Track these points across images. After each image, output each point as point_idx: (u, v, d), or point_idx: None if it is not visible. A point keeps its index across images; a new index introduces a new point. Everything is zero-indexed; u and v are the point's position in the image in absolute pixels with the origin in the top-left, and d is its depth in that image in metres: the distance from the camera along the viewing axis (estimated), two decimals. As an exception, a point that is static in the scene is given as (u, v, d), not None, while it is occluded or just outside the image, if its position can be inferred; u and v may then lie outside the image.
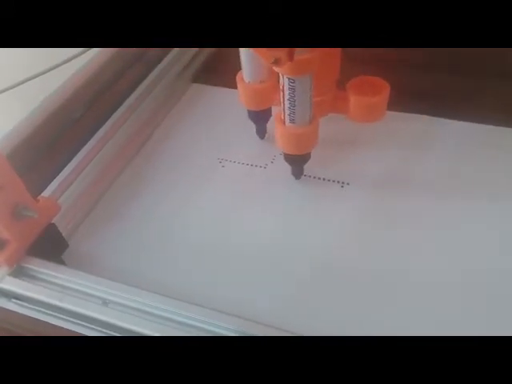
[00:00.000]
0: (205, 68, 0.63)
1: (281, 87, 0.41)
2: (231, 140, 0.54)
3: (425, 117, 0.53)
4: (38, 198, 0.42)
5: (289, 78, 0.39)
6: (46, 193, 0.46)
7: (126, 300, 0.37)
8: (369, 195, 0.47)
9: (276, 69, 0.38)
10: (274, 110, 0.47)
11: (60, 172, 0.48)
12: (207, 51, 0.65)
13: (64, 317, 0.37)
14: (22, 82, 0.42)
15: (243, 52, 0.45)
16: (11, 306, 0.38)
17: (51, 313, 0.37)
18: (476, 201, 0.45)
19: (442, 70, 0.56)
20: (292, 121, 0.42)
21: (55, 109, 0.49)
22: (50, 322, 0.37)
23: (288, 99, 0.41)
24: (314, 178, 0.49)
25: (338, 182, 0.48)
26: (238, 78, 0.48)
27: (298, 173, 0.48)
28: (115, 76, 0.56)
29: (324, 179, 0.49)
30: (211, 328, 0.35)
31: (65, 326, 0.37)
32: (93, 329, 0.36)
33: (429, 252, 0.42)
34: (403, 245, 0.42)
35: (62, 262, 0.43)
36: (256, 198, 0.48)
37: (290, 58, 0.35)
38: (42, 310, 0.37)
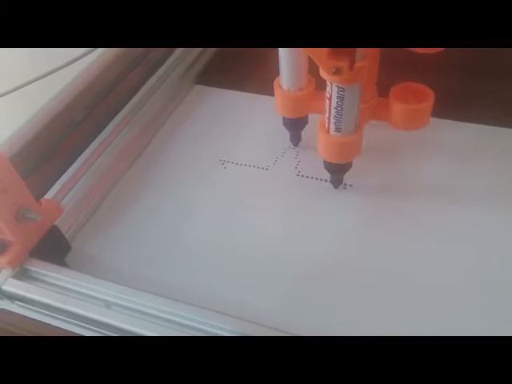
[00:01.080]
0: (208, 69, 0.63)
1: (327, 95, 0.40)
2: (233, 141, 0.54)
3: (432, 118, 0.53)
4: (41, 200, 0.42)
5: (338, 87, 0.38)
6: (49, 195, 0.46)
7: (129, 302, 0.37)
8: (371, 197, 0.47)
9: (331, 78, 0.37)
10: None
11: (63, 174, 0.48)
12: (210, 52, 0.65)
13: (67, 319, 0.37)
14: (26, 84, 0.42)
15: (284, 59, 0.44)
16: (14, 307, 0.38)
17: (54, 315, 0.37)
18: (479, 203, 0.45)
19: (450, 69, 0.55)
20: (338, 130, 0.41)
21: (58, 111, 0.49)
22: (52, 324, 0.37)
23: (335, 107, 0.40)
24: (317, 179, 0.49)
25: (343, 182, 0.48)
26: (275, 84, 0.47)
27: (337, 181, 0.47)
28: (118, 78, 0.56)
29: (326, 180, 0.48)
30: (215, 330, 0.35)
31: (67, 328, 0.37)
32: (96, 331, 0.36)
33: (430, 253, 0.42)
34: (404, 246, 0.42)
35: (64, 264, 0.43)
36: (258, 200, 0.48)
37: (351, 67, 0.34)
38: (45, 312, 0.38)
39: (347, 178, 0.48)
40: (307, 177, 0.49)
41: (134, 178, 0.51)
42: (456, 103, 0.52)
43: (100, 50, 0.55)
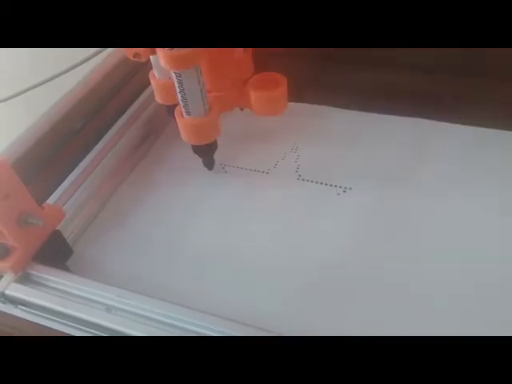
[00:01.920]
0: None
1: (174, 82, 0.43)
2: (234, 145, 0.54)
3: (424, 120, 0.54)
4: (43, 205, 0.42)
5: (175, 73, 0.41)
6: (51, 200, 0.46)
7: (130, 306, 0.37)
8: (370, 199, 0.47)
9: (166, 65, 0.40)
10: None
11: (65, 179, 0.49)
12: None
13: (68, 323, 0.37)
14: (28, 90, 0.42)
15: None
16: (17, 312, 0.39)
17: (56, 319, 0.38)
18: (478, 203, 0.45)
19: (441, 71, 0.55)
20: (188, 113, 0.44)
21: (59, 118, 0.49)
22: (54, 327, 0.37)
23: (179, 92, 0.43)
24: (317, 182, 0.49)
25: (341, 186, 0.48)
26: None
27: (208, 163, 0.50)
28: (119, 84, 0.57)
29: (326, 184, 0.49)
30: (215, 334, 0.35)
31: (69, 332, 0.37)
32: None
33: (430, 254, 0.42)
34: (404, 248, 0.43)
35: (66, 269, 0.43)
36: (259, 203, 0.48)
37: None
38: (47, 316, 0.38)
39: (346, 181, 0.48)
40: (308, 180, 0.50)
41: (136, 183, 0.51)
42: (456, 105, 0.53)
43: (100, 57, 0.55)
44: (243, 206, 0.48)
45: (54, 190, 0.47)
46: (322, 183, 0.49)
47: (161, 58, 0.40)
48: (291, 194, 0.49)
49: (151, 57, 0.47)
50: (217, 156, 0.53)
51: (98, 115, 0.54)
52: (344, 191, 0.48)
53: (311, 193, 0.48)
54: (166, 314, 0.36)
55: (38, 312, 0.38)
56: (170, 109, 0.50)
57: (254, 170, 0.52)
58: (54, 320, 0.38)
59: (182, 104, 0.44)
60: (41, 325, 0.38)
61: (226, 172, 0.52)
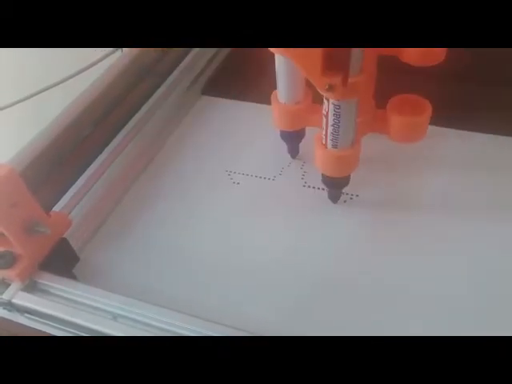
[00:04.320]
0: (214, 80, 0.64)
1: (324, 112, 0.39)
2: (240, 152, 0.54)
3: (434, 128, 0.53)
4: (50, 212, 0.43)
5: (334, 104, 0.38)
6: (58, 207, 0.46)
7: (136, 315, 0.37)
8: (377, 206, 0.47)
9: (325, 94, 0.37)
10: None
11: (71, 186, 0.49)
12: (216, 63, 0.65)
13: (75, 331, 0.38)
14: (34, 95, 0.43)
15: (281, 73, 0.44)
16: (23, 320, 0.39)
17: (62, 327, 0.38)
18: (484, 213, 0.45)
19: (452, 78, 0.55)
20: (335, 146, 0.41)
21: (66, 125, 0.50)
22: (60, 336, 0.38)
23: (332, 125, 0.39)
24: (323, 189, 0.49)
25: (347, 193, 0.48)
26: (272, 98, 0.47)
27: (335, 196, 0.47)
28: (126, 90, 0.57)
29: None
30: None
31: (76, 341, 0.37)
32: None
33: (432, 264, 0.42)
34: (409, 259, 0.42)
35: (72, 276, 0.43)
36: (264, 210, 0.48)
37: (345, 83, 0.34)
38: (54, 324, 0.38)
39: (353, 189, 0.48)
40: (313, 187, 0.50)
41: (142, 190, 0.52)
42: (458, 113, 0.52)
43: (107, 63, 0.55)
44: (248, 212, 0.48)
45: (61, 197, 0.47)
46: (328, 190, 0.49)
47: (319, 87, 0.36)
48: (297, 200, 0.49)
49: (280, 79, 0.44)
50: (222, 163, 0.53)
51: (104, 122, 0.54)
52: (351, 198, 0.48)
53: (317, 200, 0.48)
54: (173, 322, 0.36)
55: (44, 320, 0.38)
56: (292, 135, 0.49)
57: (260, 177, 0.52)
58: (59, 328, 0.38)
59: (330, 136, 0.41)
60: (47, 333, 0.38)
61: (231, 179, 0.52)
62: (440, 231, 0.44)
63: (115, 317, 0.37)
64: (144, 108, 0.58)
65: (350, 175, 0.45)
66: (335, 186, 0.47)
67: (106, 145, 0.53)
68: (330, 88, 0.34)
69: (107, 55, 0.43)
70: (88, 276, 0.43)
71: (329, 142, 0.41)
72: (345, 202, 0.48)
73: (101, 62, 0.45)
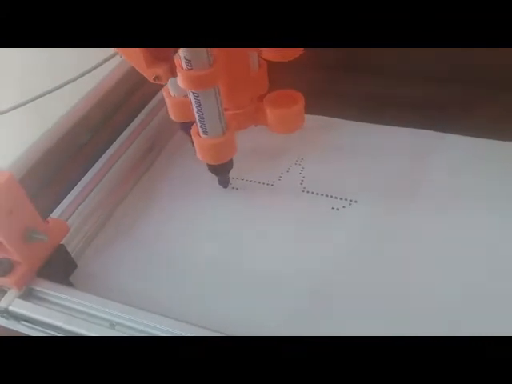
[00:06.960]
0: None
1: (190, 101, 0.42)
2: (238, 157, 0.54)
3: (432, 132, 0.53)
4: (48, 219, 0.42)
5: (193, 93, 0.41)
6: (55, 213, 0.46)
7: (133, 322, 0.37)
8: (376, 212, 0.47)
9: (183, 85, 0.40)
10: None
11: (69, 193, 0.49)
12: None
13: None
14: (35, 99, 0.43)
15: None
16: (21, 328, 0.39)
17: (59, 335, 0.38)
18: (476, 214, 0.45)
19: (440, 81, 0.55)
20: (205, 133, 0.44)
21: (64, 133, 0.50)
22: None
23: (197, 112, 0.42)
24: (322, 195, 0.49)
25: (346, 199, 0.48)
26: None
27: (224, 182, 0.50)
28: (125, 96, 0.57)
29: (331, 196, 0.48)
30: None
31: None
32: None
33: (429, 266, 0.42)
34: (404, 259, 0.42)
35: (69, 283, 0.43)
36: (263, 215, 0.48)
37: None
38: (51, 332, 0.38)
39: (351, 194, 0.48)
40: (312, 192, 0.49)
41: (140, 197, 0.51)
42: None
43: (106, 69, 0.55)
44: (248, 218, 0.48)
45: (59, 204, 0.47)
46: (326, 196, 0.49)
47: (179, 79, 0.40)
48: (296, 206, 0.48)
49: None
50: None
51: (102, 129, 0.54)
52: (349, 204, 0.48)
53: (316, 205, 0.48)
54: (170, 330, 0.36)
55: (41, 328, 0.38)
56: (185, 125, 0.49)
57: (259, 182, 0.51)
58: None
59: (199, 124, 0.43)
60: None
61: (230, 184, 0.51)
62: (440, 234, 0.44)
63: (112, 324, 0.37)
64: (141, 115, 0.58)
65: (230, 161, 0.47)
66: (218, 172, 0.49)
67: (104, 152, 0.53)
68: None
69: (107, 59, 0.43)
70: (85, 283, 0.43)
71: (200, 129, 0.44)
72: (344, 207, 0.48)
73: (100, 66, 0.44)
